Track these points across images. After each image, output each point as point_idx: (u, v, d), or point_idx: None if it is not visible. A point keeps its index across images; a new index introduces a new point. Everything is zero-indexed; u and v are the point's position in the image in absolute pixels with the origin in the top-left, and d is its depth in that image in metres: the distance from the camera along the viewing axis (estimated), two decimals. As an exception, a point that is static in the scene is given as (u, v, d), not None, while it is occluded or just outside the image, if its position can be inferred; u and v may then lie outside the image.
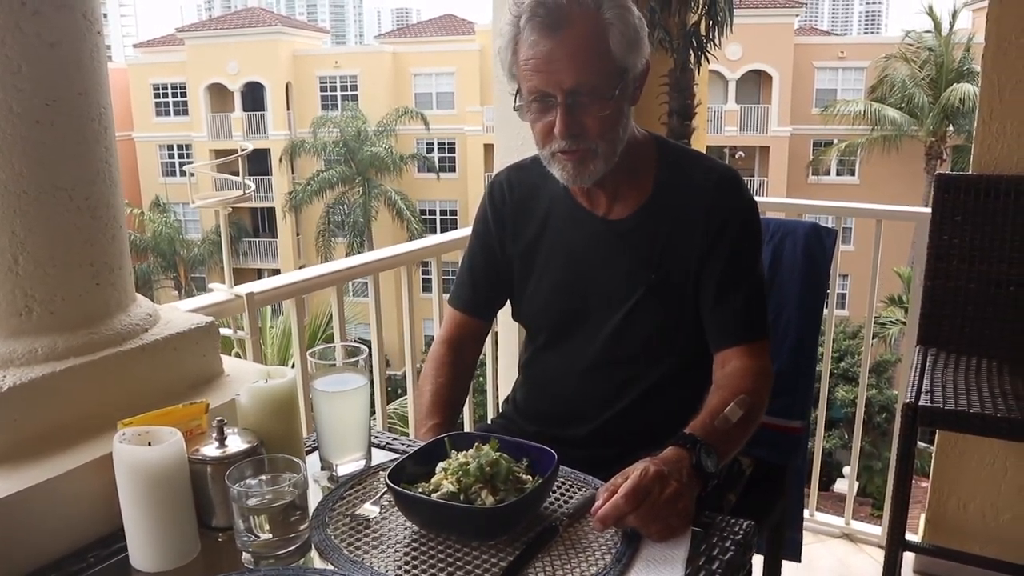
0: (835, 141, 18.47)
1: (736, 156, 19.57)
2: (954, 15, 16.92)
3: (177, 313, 1.20)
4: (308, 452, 1.11)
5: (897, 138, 16.87)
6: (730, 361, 1.19)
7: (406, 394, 2.71)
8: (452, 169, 21.33)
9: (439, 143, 21.40)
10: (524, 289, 1.32)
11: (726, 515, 0.96)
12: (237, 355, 1.91)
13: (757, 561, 1.26)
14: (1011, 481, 2.02)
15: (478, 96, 20.31)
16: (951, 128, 16.55)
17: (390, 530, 0.94)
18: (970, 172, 1.93)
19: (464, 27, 23.53)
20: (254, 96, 21.55)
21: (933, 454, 2.12)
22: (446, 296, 1.47)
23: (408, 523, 0.94)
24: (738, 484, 1.36)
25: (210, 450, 0.94)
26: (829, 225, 1.61)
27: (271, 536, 0.87)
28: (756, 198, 1.29)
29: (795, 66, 19.24)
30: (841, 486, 9.83)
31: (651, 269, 1.22)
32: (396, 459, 1.01)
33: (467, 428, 2.10)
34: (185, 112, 22.02)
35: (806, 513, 2.38)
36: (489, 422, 1.52)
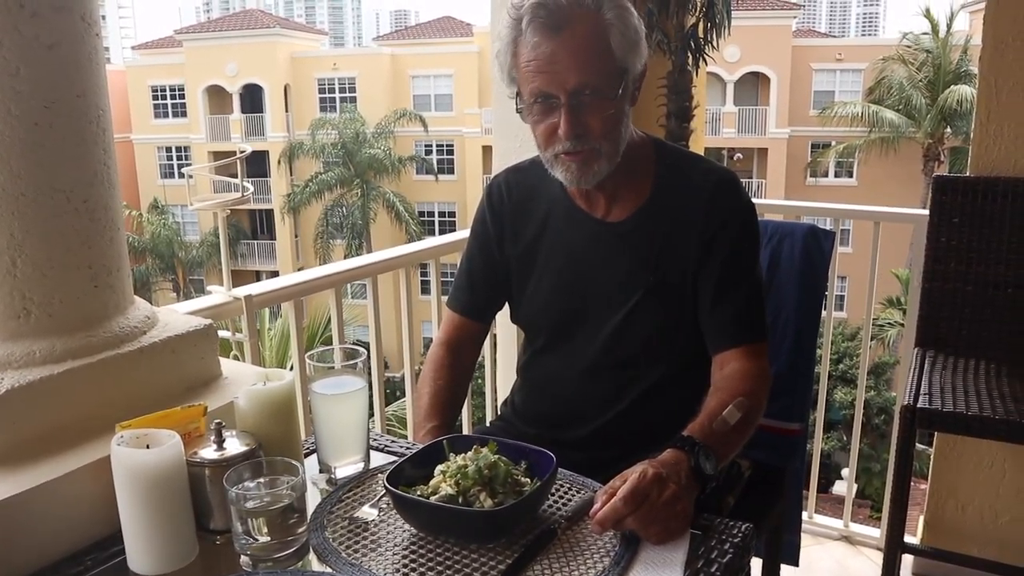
0: (833, 143, 18.50)
1: (734, 158, 19.60)
2: (951, 17, 16.97)
3: (175, 315, 1.19)
4: (306, 455, 1.11)
5: (895, 140, 16.90)
6: (728, 363, 1.19)
7: (405, 396, 2.71)
8: (450, 171, 21.33)
9: (437, 145, 21.40)
10: (523, 291, 1.32)
11: (725, 517, 0.96)
12: (235, 357, 1.91)
13: (756, 564, 1.26)
14: (1009, 483, 2.02)
15: (476, 98, 20.32)
16: (949, 130, 16.58)
17: (388, 533, 0.94)
18: (968, 174, 1.93)
19: (463, 29, 23.55)
20: (252, 98, 21.55)
21: (932, 456, 2.12)
22: (445, 298, 1.47)
23: (406, 526, 0.94)
24: (737, 486, 1.36)
25: (208, 453, 0.94)
26: (827, 227, 1.62)
27: (269, 539, 0.87)
28: (754, 200, 1.30)
29: (793, 68, 19.27)
30: (840, 488, 9.83)
31: (650, 271, 1.22)
32: (395, 462, 1.01)
33: (466, 431, 2.09)
34: (183, 114, 22.01)
35: (805, 515, 2.38)
36: (488, 424, 1.52)
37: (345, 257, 16.62)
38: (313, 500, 1.00)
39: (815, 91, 19.65)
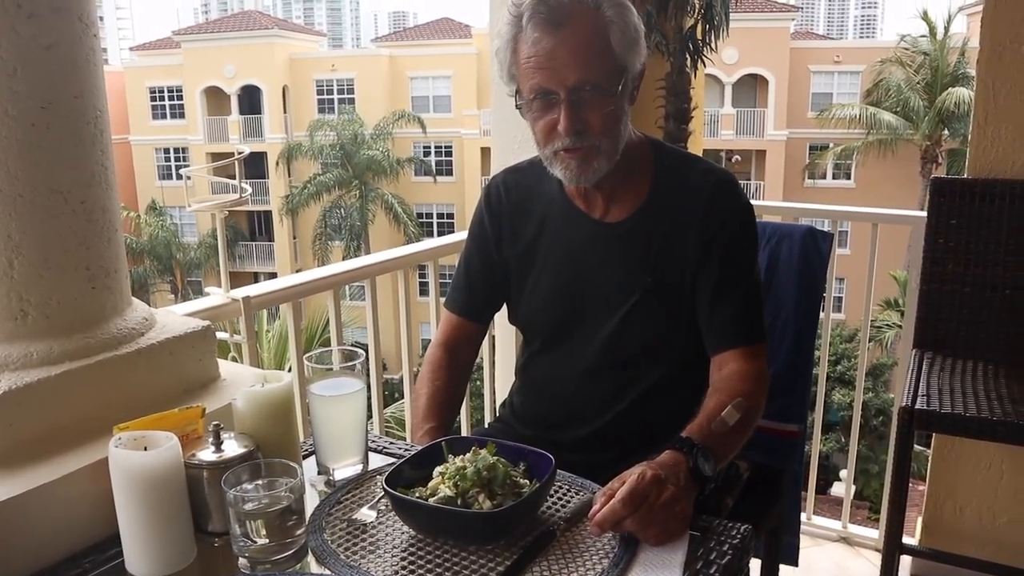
0: (831, 145, 18.53)
1: (732, 160, 19.62)
2: (949, 20, 17.01)
3: (173, 317, 1.19)
4: (305, 456, 1.11)
5: (893, 142, 16.93)
6: (727, 364, 1.19)
7: (403, 398, 2.70)
8: (449, 172, 21.34)
9: (436, 146, 21.41)
10: (521, 292, 1.32)
11: (723, 519, 0.96)
12: (233, 359, 1.91)
13: (754, 565, 1.26)
14: (1007, 484, 2.02)
15: (475, 100, 20.33)
16: (946, 132, 16.62)
17: (387, 534, 0.94)
18: (965, 176, 1.94)
19: (461, 31, 23.57)
20: (251, 99, 21.55)
21: (929, 457, 2.12)
22: (443, 300, 1.47)
23: (405, 527, 0.94)
24: (735, 488, 1.35)
25: (206, 455, 0.94)
26: (825, 229, 1.62)
27: (268, 541, 0.87)
28: (752, 202, 1.30)
29: (791, 70, 19.30)
30: (838, 490, 9.84)
31: (648, 271, 1.22)
32: (393, 463, 1.01)
33: (464, 432, 2.09)
34: (181, 115, 22.00)
35: (803, 517, 2.38)
36: (486, 426, 1.52)
37: (343, 259, 16.61)
38: (312, 502, 0.99)
39: (813, 93, 19.69)
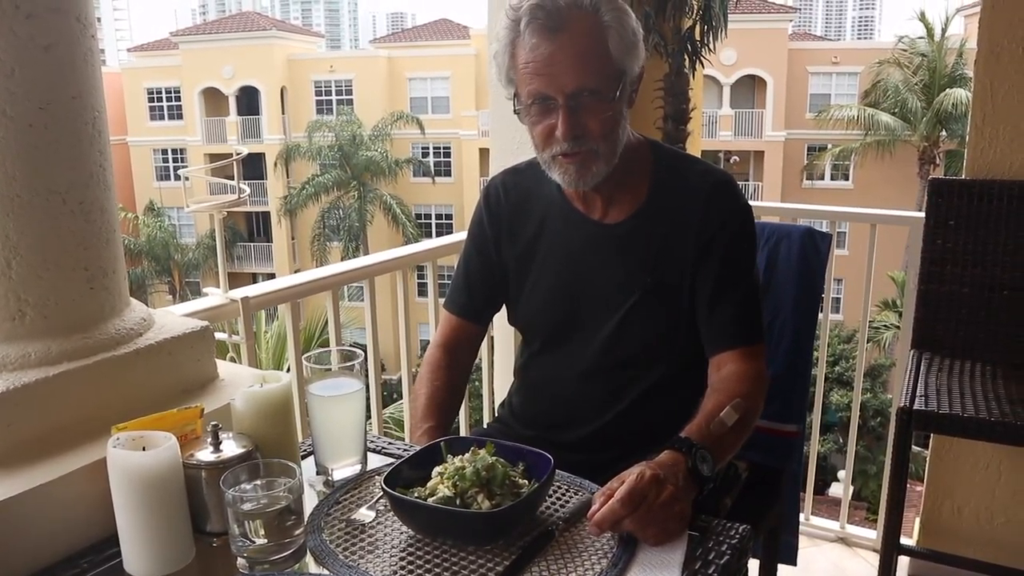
0: (829, 146, 18.55)
1: (730, 161, 19.63)
2: (947, 21, 17.05)
3: (172, 317, 1.19)
4: (304, 457, 1.11)
5: (891, 143, 16.96)
6: (726, 365, 1.19)
7: (402, 398, 2.70)
8: (448, 173, 21.34)
9: (434, 147, 21.41)
10: (520, 293, 1.32)
11: (722, 519, 0.96)
12: (232, 360, 1.91)
13: (753, 565, 1.26)
14: (1005, 485, 2.02)
15: (473, 100, 20.34)
16: (944, 133, 16.65)
17: (386, 535, 0.94)
18: (963, 177, 1.94)
19: (459, 32, 23.57)
20: (249, 100, 21.54)
21: (928, 458, 2.12)
22: (442, 300, 1.47)
23: (404, 528, 0.94)
24: (734, 488, 1.36)
25: (205, 455, 0.94)
26: (824, 229, 1.62)
27: (266, 541, 0.87)
28: (751, 203, 1.30)
29: (789, 71, 19.32)
30: (836, 490, 9.86)
31: (647, 272, 1.22)
32: (392, 463, 1.01)
33: (463, 433, 2.09)
34: (179, 116, 21.98)
35: (801, 517, 2.38)
36: (485, 426, 1.52)
37: (342, 259, 16.60)
38: (310, 502, 0.99)
39: (811, 94, 19.71)
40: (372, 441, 1.16)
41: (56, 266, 0.99)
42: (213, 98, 21.63)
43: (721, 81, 19.26)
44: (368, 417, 1.12)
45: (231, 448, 0.95)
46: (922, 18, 17.17)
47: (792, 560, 1.57)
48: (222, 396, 1.11)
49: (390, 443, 1.18)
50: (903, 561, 2.10)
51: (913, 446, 1.66)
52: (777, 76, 19.27)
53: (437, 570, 0.87)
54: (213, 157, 19.47)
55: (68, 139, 0.98)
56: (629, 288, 1.22)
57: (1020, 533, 2.02)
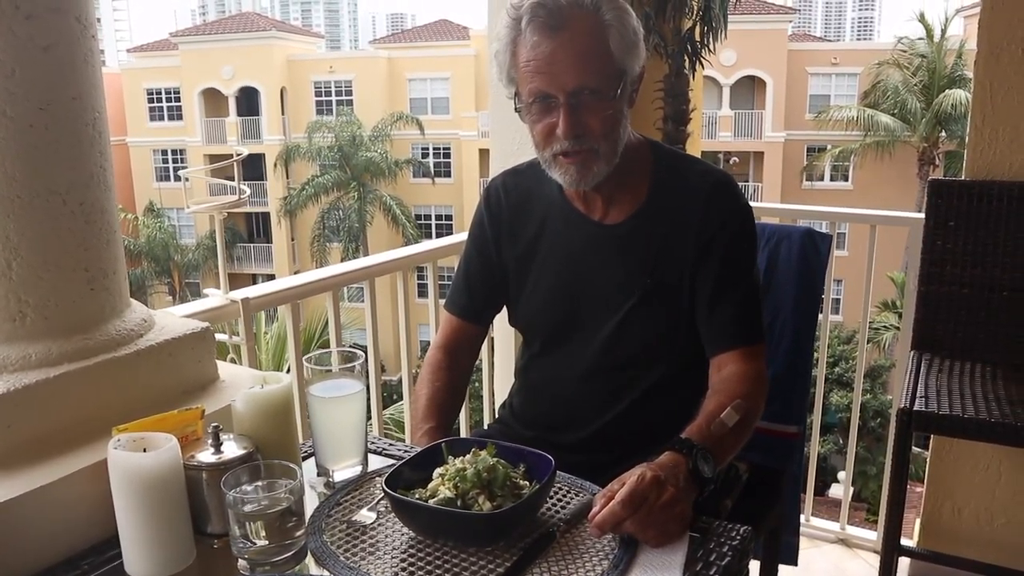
0: (829, 147, 18.55)
1: (730, 161, 19.64)
2: (946, 22, 17.06)
3: (172, 318, 1.19)
4: (304, 458, 1.11)
5: (890, 144, 16.97)
6: (726, 365, 1.19)
7: (402, 400, 2.70)
8: (447, 174, 21.34)
9: (434, 148, 21.41)
10: (520, 293, 1.32)
11: (723, 520, 0.96)
12: (232, 361, 1.90)
13: (754, 566, 1.26)
14: (1005, 486, 2.02)
15: (473, 101, 20.34)
16: (944, 134, 16.65)
17: (387, 536, 0.94)
18: (963, 177, 1.94)
19: (459, 32, 23.58)
20: (249, 101, 21.54)
21: (928, 459, 2.12)
22: (442, 301, 1.47)
23: (405, 529, 0.94)
24: (735, 489, 1.35)
25: (206, 456, 0.94)
26: (823, 230, 1.62)
27: (267, 542, 0.87)
28: (751, 203, 1.30)
29: (789, 72, 19.33)
30: (836, 491, 9.86)
31: (647, 273, 1.22)
32: (393, 465, 1.01)
33: (464, 434, 2.09)
34: (179, 117, 21.98)
35: (802, 518, 2.37)
36: (486, 427, 1.52)
37: (342, 260, 16.61)
38: (311, 503, 0.99)
39: (811, 95, 19.71)
40: (373, 442, 1.16)
41: (56, 267, 0.99)
42: (213, 99, 21.63)
43: (721, 82, 19.27)
44: (369, 418, 1.12)
45: (232, 449, 0.95)
46: (922, 19, 17.18)
47: (793, 560, 1.57)
48: (223, 397, 1.11)
49: (391, 444, 1.17)
50: (903, 562, 2.10)
51: (913, 447, 1.66)
52: (777, 77, 19.28)
53: (438, 571, 0.87)
54: (213, 158, 19.45)
55: (68, 140, 0.98)
56: (629, 288, 1.22)
57: (1020, 534, 2.02)
